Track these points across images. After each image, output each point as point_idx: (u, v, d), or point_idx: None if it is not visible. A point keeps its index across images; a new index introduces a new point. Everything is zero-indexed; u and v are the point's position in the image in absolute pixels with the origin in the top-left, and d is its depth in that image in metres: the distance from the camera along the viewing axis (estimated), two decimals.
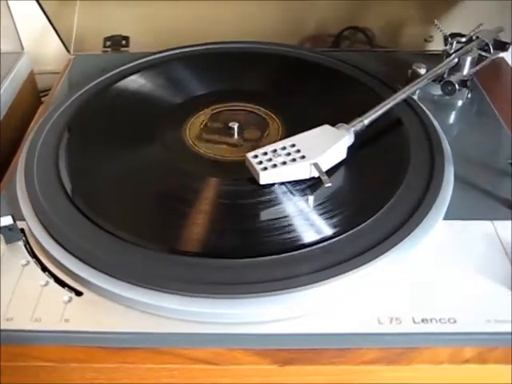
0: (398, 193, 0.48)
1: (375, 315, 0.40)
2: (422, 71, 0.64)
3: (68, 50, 0.78)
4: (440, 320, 0.40)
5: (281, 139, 0.53)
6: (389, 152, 0.55)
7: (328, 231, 0.45)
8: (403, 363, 0.39)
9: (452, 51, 0.64)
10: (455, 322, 0.40)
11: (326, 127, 0.52)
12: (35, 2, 0.71)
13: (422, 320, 0.40)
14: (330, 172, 0.50)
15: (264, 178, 0.48)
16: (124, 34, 0.80)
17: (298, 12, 0.81)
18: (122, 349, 0.40)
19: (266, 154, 0.50)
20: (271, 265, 0.42)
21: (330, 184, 0.47)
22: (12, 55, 0.77)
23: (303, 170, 0.49)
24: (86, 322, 0.40)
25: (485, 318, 0.40)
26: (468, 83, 0.63)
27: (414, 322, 0.40)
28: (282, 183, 0.49)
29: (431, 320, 0.40)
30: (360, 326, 0.40)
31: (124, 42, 0.80)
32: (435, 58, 0.66)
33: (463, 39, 0.64)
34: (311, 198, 0.48)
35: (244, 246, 0.44)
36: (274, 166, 0.49)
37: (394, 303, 0.41)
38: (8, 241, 0.46)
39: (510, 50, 0.65)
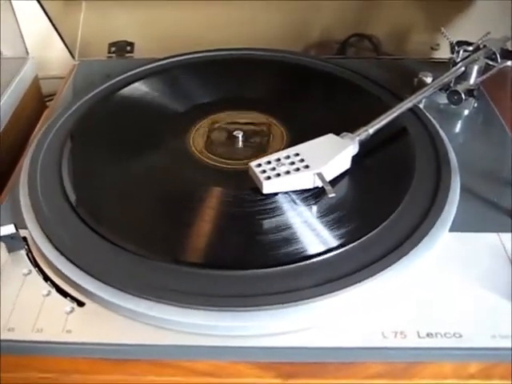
0: (403, 204, 0.48)
1: (379, 329, 0.40)
2: (429, 80, 0.64)
3: (73, 56, 0.78)
4: (445, 334, 0.39)
5: (285, 148, 0.52)
6: (394, 162, 0.54)
7: (332, 243, 0.44)
8: (407, 378, 0.38)
9: (459, 60, 0.64)
10: (461, 336, 0.39)
11: (331, 136, 0.52)
12: (40, 7, 0.71)
13: (427, 334, 0.39)
14: (334, 182, 0.50)
15: (267, 188, 0.48)
16: (129, 39, 0.80)
17: (303, 18, 0.81)
18: (125, 361, 0.39)
19: (269, 163, 0.50)
20: (275, 277, 0.42)
21: (333, 194, 0.47)
22: (17, 60, 0.77)
23: (307, 180, 0.49)
24: (88, 333, 0.40)
25: (490, 333, 0.39)
26: (474, 92, 0.62)
27: (419, 336, 0.39)
28: (286, 193, 0.49)
29: (436, 334, 0.39)
30: (364, 339, 0.39)
31: (129, 48, 0.80)
32: (442, 66, 0.66)
33: (470, 48, 0.64)
34: (315, 209, 0.48)
35: (247, 257, 0.44)
36: (278, 175, 0.48)
37: (399, 317, 0.40)
38: (10, 249, 0.45)
39: None
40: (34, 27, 0.82)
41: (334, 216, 0.47)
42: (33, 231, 0.47)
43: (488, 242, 0.46)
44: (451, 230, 0.47)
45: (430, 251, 0.44)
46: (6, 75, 0.73)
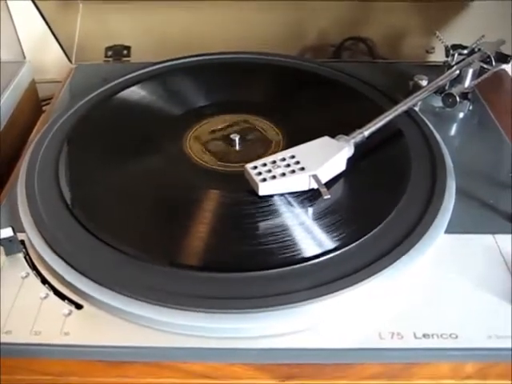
0: (399, 206, 0.48)
1: (376, 330, 0.40)
2: (424, 83, 0.64)
3: (69, 60, 0.78)
4: (441, 335, 0.39)
5: (281, 150, 0.53)
6: (389, 164, 0.54)
7: (328, 245, 0.45)
8: (404, 378, 0.39)
9: (454, 63, 0.64)
10: (457, 337, 0.39)
11: (326, 139, 0.52)
12: (37, 11, 0.72)
13: (424, 335, 0.39)
14: (330, 184, 0.50)
15: (263, 190, 0.48)
16: (126, 43, 0.80)
17: (299, 22, 0.82)
18: (122, 363, 0.39)
19: (265, 165, 0.50)
20: (271, 279, 0.42)
21: (328, 196, 0.47)
22: (14, 64, 0.77)
23: (302, 182, 0.49)
24: (86, 335, 0.40)
25: (486, 334, 0.40)
26: (469, 95, 0.63)
27: (416, 337, 0.39)
28: (282, 195, 0.49)
29: (432, 335, 0.39)
30: (361, 341, 0.39)
31: (125, 52, 0.80)
32: (437, 70, 0.66)
33: (465, 51, 0.64)
34: (310, 211, 0.48)
35: (243, 260, 0.44)
36: (273, 177, 0.49)
37: (396, 318, 0.41)
38: (8, 252, 0.46)
39: (511, 62, 0.65)
40: (31, 31, 0.83)
41: (329, 218, 0.47)
42: (30, 234, 0.47)
43: (483, 244, 0.46)
44: (447, 231, 0.47)
45: (426, 253, 0.44)
46: (2, 79, 0.73)
